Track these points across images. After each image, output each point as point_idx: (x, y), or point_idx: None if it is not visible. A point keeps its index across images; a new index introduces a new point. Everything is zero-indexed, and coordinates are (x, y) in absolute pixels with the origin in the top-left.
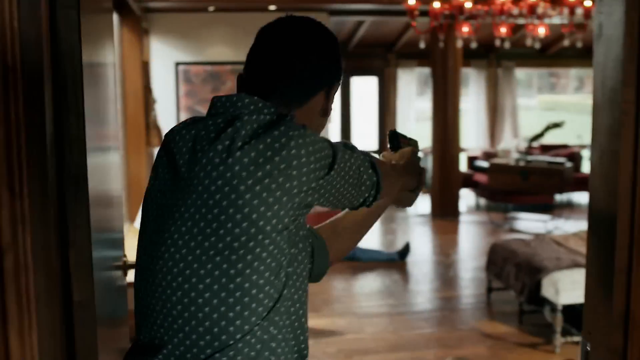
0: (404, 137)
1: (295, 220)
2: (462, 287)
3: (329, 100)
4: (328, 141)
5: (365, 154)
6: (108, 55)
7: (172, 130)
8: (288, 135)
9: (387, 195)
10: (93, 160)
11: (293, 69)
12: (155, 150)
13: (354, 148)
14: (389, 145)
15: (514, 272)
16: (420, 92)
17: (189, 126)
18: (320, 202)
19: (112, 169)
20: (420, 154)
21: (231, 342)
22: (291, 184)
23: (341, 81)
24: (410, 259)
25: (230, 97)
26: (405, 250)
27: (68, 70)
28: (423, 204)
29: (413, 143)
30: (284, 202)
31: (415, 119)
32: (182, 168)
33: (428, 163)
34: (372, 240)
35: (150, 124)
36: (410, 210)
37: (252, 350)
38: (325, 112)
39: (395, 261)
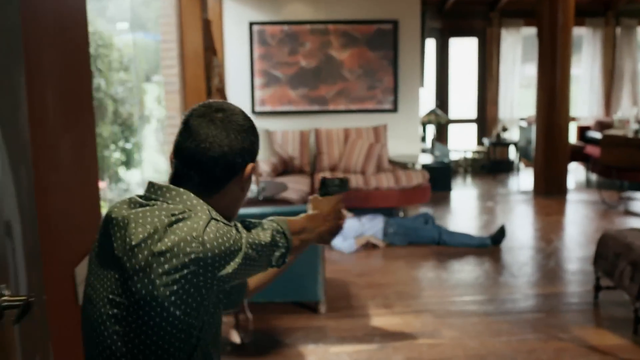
0: (334, 182)
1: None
2: (564, 282)
3: (242, 181)
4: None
5: (273, 228)
6: None
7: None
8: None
9: (298, 252)
10: None
11: (205, 166)
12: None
13: (255, 225)
14: (319, 192)
15: (629, 271)
16: (526, 56)
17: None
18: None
19: None
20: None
21: None
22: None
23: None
24: (505, 245)
25: (158, 185)
26: (500, 235)
27: None
28: (526, 179)
29: (343, 185)
30: None
31: (520, 85)
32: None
33: (531, 133)
34: (462, 221)
35: (212, 90)
36: (511, 186)
37: None
38: (243, 189)
39: (488, 247)
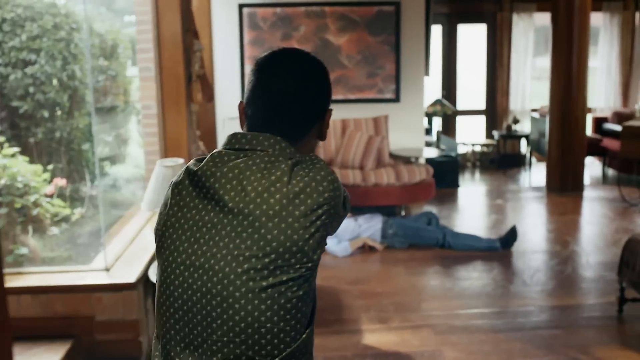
0: None
1: None
2: (583, 292)
3: (323, 127)
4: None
5: None
6: None
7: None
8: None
9: None
10: None
11: (293, 112)
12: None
13: None
14: None
15: None
16: (538, 49)
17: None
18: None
19: None
20: None
21: None
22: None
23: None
24: (517, 249)
25: (247, 135)
26: (511, 237)
27: None
28: (538, 174)
29: None
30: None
31: (532, 77)
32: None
33: (545, 126)
34: (469, 221)
35: (193, 77)
36: (522, 182)
37: None
38: (321, 136)
39: (497, 251)
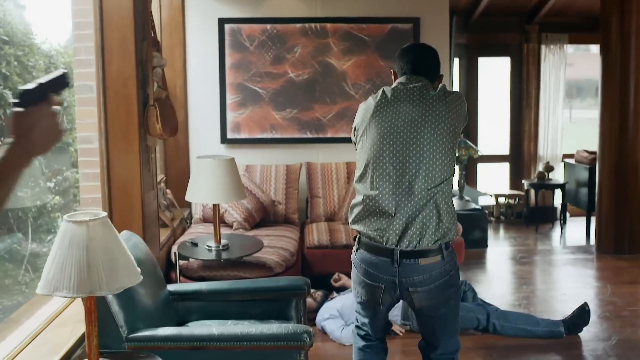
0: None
1: None
2: None
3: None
4: None
5: None
6: None
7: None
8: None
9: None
10: None
11: (435, 66)
12: (156, 145)
13: None
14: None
15: None
16: (572, 82)
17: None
18: None
19: None
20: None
21: None
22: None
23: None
24: (586, 334)
25: (412, 78)
26: (580, 318)
27: None
28: (575, 231)
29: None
30: None
31: (571, 118)
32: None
33: (584, 173)
34: (506, 294)
35: (149, 99)
36: (561, 240)
37: None
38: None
39: (562, 337)
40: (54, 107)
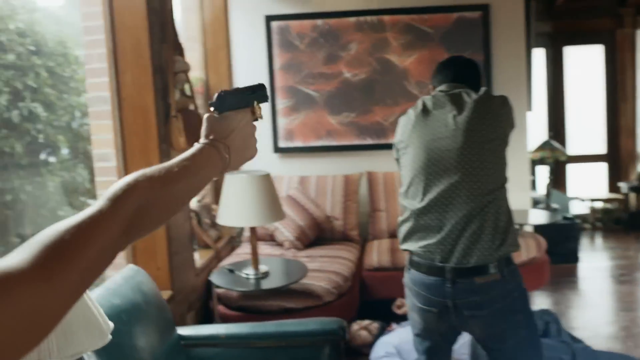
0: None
1: None
2: None
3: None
4: None
5: None
6: None
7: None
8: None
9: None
10: None
11: (475, 76)
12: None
13: None
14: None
15: None
16: None
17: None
18: None
19: None
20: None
21: None
22: None
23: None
24: None
25: (452, 85)
26: None
27: None
28: None
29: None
30: None
31: None
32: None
33: None
34: (602, 322)
35: (171, 109)
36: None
37: None
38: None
39: None
40: (255, 117)
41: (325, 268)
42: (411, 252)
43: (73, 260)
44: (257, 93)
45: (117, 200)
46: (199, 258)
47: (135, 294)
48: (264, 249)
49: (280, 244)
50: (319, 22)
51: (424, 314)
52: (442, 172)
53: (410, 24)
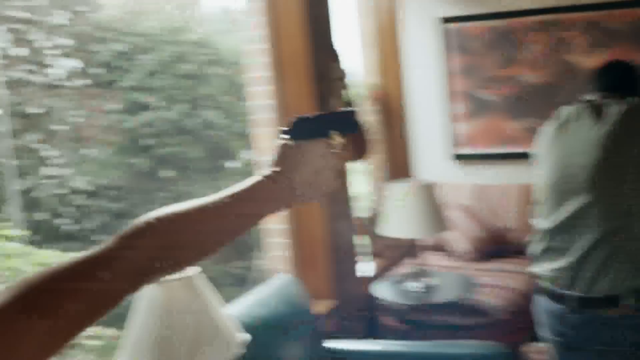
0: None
1: None
2: None
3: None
4: None
5: None
6: None
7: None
8: None
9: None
10: None
11: (629, 80)
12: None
13: None
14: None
15: None
16: None
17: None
18: None
19: None
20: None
21: None
22: None
23: None
24: None
25: (599, 94)
26: None
27: None
28: None
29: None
30: None
31: None
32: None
33: None
34: None
35: None
36: None
37: None
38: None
39: None
40: (333, 148)
41: (497, 283)
42: (538, 277)
43: (60, 298)
44: (340, 121)
45: (126, 238)
46: (367, 267)
47: (282, 304)
48: (433, 260)
49: (451, 255)
50: (496, 22)
51: (553, 346)
52: (574, 191)
53: (594, 21)
